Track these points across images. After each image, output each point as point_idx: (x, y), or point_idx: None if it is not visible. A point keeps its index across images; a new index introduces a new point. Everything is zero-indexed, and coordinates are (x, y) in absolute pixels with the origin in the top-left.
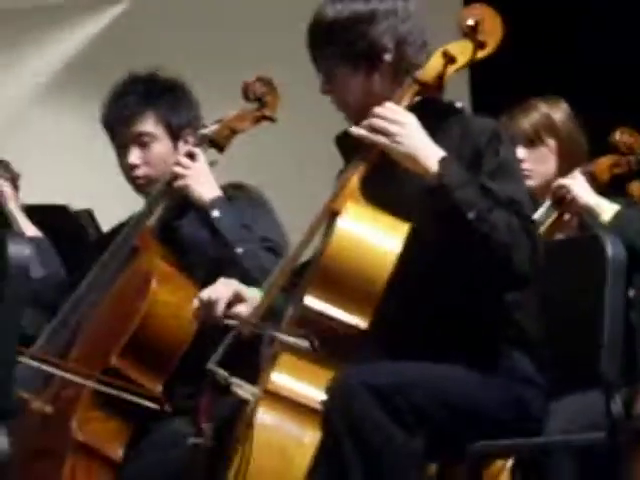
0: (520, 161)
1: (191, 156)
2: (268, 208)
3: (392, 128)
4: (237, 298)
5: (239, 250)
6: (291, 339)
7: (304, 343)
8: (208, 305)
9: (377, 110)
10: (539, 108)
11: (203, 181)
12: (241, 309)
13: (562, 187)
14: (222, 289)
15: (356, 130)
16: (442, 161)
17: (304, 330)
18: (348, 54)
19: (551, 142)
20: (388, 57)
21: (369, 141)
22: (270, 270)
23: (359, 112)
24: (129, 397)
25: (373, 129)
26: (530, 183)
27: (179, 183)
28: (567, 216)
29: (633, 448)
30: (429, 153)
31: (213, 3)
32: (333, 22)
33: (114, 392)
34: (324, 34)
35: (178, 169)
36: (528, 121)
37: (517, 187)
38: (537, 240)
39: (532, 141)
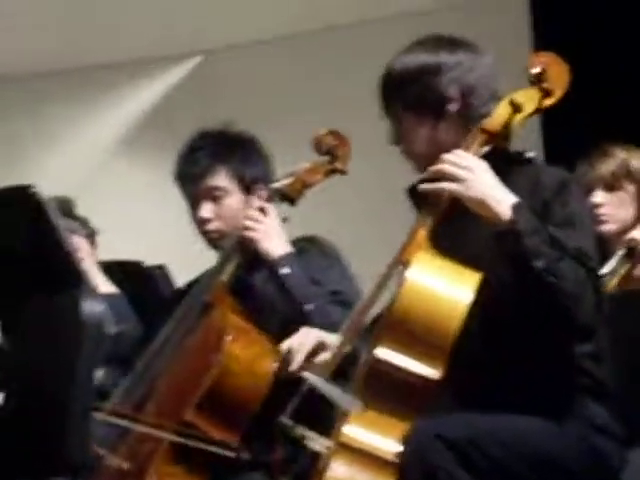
0: (598, 205)
1: (262, 211)
2: (339, 260)
3: (462, 174)
4: (320, 347)
5: (308, 307)
6: (343, 401)
7: (357, 404)
8: (288, 356)
9: (446, 157)
10: (616, 155)
11: (273, 237)
12: (325, 357)
13: (633, 240)
14: (301, 339)
15: (425, 186)
16: (514, 207)
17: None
18: (415, 104)
19: (630, 187)
20: (454, 107)
21: (439, 190)
22: (341, 324)
23: (426, 161)
24: (206, 446)
25: (442, 176)
26: (609, 227)
27: (249, 238)
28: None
29: None
30: (500, 198)
31: (283, 56)
32: (401, 74)
33: (191, 443)
34: (392, 86)
35: (249, 224)
36: (606, 167)
37: (585, 238)
38: (601, 293)
39: (611, 186)
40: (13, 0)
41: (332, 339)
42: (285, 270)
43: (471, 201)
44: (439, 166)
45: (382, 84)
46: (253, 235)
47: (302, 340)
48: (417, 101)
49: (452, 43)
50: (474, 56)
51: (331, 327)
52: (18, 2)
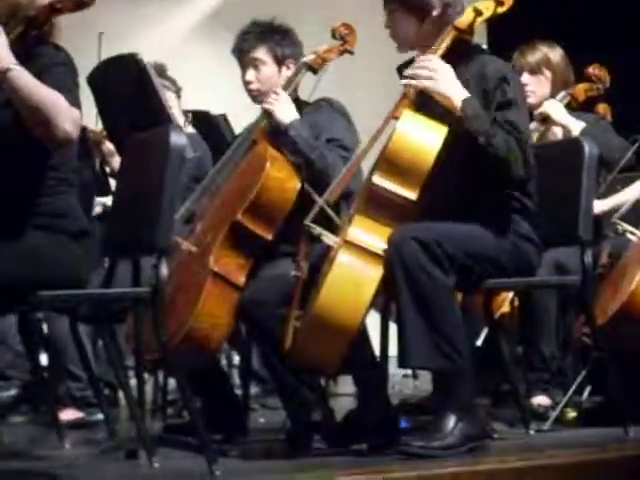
0: (525, 85)
1: (276, 93)
2: (344, 115)
3: (432, 74)
4: None
5: (312, 156)
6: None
7: None
8: None
9: (422, 59)
10: (540, 48)
11: (284, 109)
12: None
13: (545, 111)
14: None
15: (406, 82)
16: (465, 100)
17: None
18: (408, 6)
19: (548, 73)
20: (435, 12)
21: (416, 88)
22: (337, 163)
23: (408, 45)
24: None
25: (418, 75)
26: (531, 100)
27: (269, 110)
28: (553, 129)
29: (598, 287)
30: (457, 93)
31: None
32: None
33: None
34: None
35: (269, 100)
36: (532, 57)
37: (518, 115)
38: (528, 154)
39: (534, 71)
40: None
41: None
42: (292, 132)
43: (437, 94)
44: (415, 69)
45: None
46: (271, 108)
47: None
48: (409, 4)
49: None
50: None
51: (330, 167)
52: None
